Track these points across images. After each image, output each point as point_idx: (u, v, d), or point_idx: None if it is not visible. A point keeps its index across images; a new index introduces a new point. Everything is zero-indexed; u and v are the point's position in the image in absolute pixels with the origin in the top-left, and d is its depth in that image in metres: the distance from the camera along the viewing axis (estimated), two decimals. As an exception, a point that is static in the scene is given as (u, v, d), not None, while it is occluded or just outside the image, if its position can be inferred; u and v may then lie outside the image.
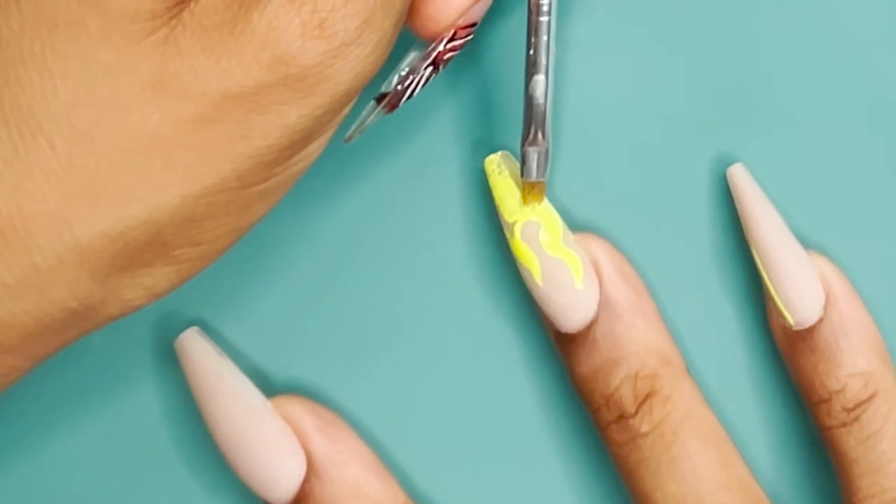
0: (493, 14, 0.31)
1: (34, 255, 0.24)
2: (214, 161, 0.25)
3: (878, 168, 0.32)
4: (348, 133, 0.29)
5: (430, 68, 0.29)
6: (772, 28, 0.32)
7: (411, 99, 0.29)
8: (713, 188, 0.32)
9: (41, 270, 0.24)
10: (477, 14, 0.28)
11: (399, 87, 0.29)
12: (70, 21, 0.24)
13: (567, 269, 0.30)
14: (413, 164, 0.32)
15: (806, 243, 0.31)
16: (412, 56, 0.29)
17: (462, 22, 0.28)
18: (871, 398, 0.30)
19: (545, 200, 0.30)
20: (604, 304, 0.30)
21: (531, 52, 0.29)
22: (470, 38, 0.28)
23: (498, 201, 0.30)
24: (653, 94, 0.32)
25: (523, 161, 0.29)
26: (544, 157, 0.29)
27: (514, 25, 0.32)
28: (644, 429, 0.30)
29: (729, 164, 0.32)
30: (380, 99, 0.29)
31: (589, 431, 0.32)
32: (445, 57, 0.28)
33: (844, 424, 0.30)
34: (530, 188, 0.30)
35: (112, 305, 0.26)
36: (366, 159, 0.32)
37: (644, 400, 0.30)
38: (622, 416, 0.30)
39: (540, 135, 0.29)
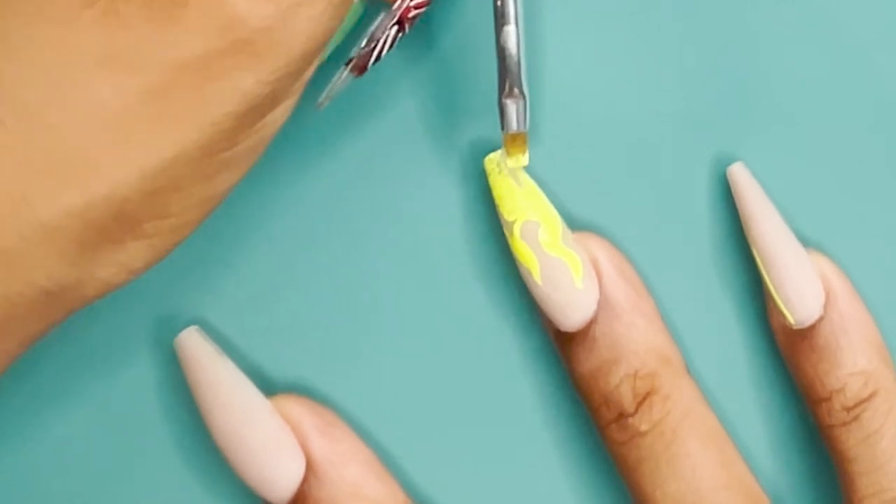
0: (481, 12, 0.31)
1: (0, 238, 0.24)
2: (172, 132, 0.25)
3: (877, 167, 0.32)
4: (320, 98, 0.29)
5: (396, 27, 0.28)
6: (773, 27, 0.32)
7: (379, 61, 0.29)
8: (713, 187, 0.32)
9: (9, 252, 0.24)
10: None
11: (365, 49, 0.28)
12: None
13: (566, 268, 0.30)
14: (413, 163, 0.32)
15: (806, 242, 0.31)
16: (381, 17, 0.29)
17: None
18: (871, 397, 0.30)
19: (545, 199, 0.30)
20: (603, 303, 0.30)
21: (498, 3, 0.28)
22: None
23: (497, 200, 0.30)
24: (653, 93, 0.32)
25: (502, 114, 0.29)
26: (523, 109, 0.29)
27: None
28: (643, 428, 0.30)
29: (729, 163, 0.32)
30: (349, 63, 0.29)
31: (589, 430, 0.32)
32: (411, 15, 0.28)
33: (844, 423, 0.30)
34: (512, 140, 0.29)
35: (89, 285, 0.26)
36: (366, 159, 0.32)
37: (643, 399, 0.30)
38: (622, 415, 0.30)
39: (516, 88, 0.29)
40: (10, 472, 0.31)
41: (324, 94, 0.29)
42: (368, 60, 0.29)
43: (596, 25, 0.32)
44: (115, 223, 0.25)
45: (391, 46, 0.29)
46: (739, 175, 0.31)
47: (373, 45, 0.28)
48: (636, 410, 0.30)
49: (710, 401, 0.31)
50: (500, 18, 0.28)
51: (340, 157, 0.32)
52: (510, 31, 0.28)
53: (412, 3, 0.28)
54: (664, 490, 0.30)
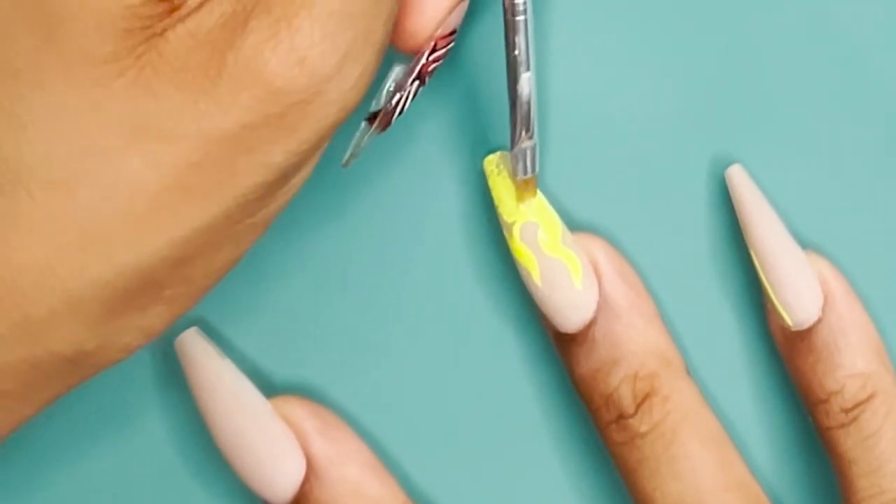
0: (472, 14, 0.31)
1: (25, 306, 0.24)
2: (202, 203, 0.25)
3: (876, 169, 0.32)
4: (345, 158, 0.29)
5: (417, 82, 0.28)
6: (772, 29, 0.32)
7: (402, 115, 0.29)
8: (712, 189, 0.32)
9: (33, 321, 0.24)
10: (454, 22, 0.28)
11: (389, 106, 0.28)
12: (31, 69, 0.24)
13: (566, 269, 0.30)
14: (412, 164, 0.32)
15: (804, 244, 0.31)
16: (397, 70, 0.29)
17: (441, 32, 0.28)
18: (869, 399, 0.30)
19: (544, 201, 0.30)
20: (603, 304, 0.30)
21: (516, 52, 0.28)
22: (451, 45, 0.28)
23: (497, 201, 0.30)
24: (652, 94, 0.32)
25: (515, 161, 0.29)
26: (533, 153, 0.29)
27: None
28: (643, 429, 0.30)
29: (727, 165, 0.32)
30: (371, 119, 0.29)
31: (589, 431, 0.32)
32: (430, 69, 0.28)
33: (843, 425, 0.30)
34: (525, 185, 0.30)
35: (109, 350, 0.26)
36: (366, 160, 0.32)
37: (643, 400, 0.30)
38: (621, 416, 0.30)
39: (528, 133, 0.29)
40: (9, 471, 0.31)
41: (349, 154, 0.29)
42: (392, 117, 0.29)
43: (596, 27, 0.32)
44: (140, 292, 0.25)
45: (413, 98, 0.29)
46: (737, 177, 0.31)
47: (395, 101, 0.28)
48: (636, 411, 0.30)
49: (710, 401, 0.31)
50: (517, 66, 0.28)
51: (340, 158, 0.32)
52: (527, 77, 0.28)
53: (431, 58, 0.28)
54: (664, 491, 0.30)
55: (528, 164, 0.29)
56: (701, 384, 0.31)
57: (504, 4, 0.28)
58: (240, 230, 0.26)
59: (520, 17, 0.28)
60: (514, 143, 0.29)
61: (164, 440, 0.31)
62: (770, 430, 0.32)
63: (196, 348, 0.30)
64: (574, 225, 0.31)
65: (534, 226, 0.30)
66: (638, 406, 0.30)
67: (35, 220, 0.24)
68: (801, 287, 0.31)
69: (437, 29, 0.28)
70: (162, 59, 0.24)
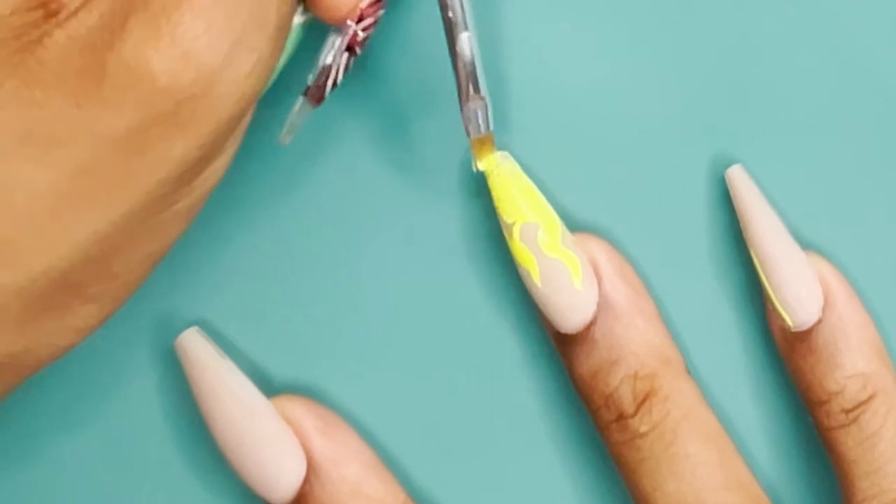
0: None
1: None
2: (104, 204, 0.24)
3: (876, 169, 0.32)
4: (282, 134, 0.29)
5: (347, 54, 0.28)
6: (772, 29, 0.32)
7: (336, 87, 0.29)
8: (712, 189, 0.32)
9: None
10: None
11: (322, 80, 0.28)
12: None
13: (566, 269, 0.30)
14: (412, 164, 0.32)
15: (804, 244, 0.31)
16: (330, 41, 0.28)
17: (365, 1, 0.28)
18: (870, 399, 0.30)
19: (544, 201, 0.30)
20: (603, 304, 0.30)
21: (450, 14, 0.28)
22: (381, 13, 0.28)
23: (497, 202, 0.30)
24: (652, 94, 0.32)
25: (467, 121, 0.29)
26: (485, 111, 0.29)
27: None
28: (643, 429, 0.30)
29: (728, 166, 0.32)
30: (306, 93, 0.29)
31: (589, 431, 0.32)
32: (359, 39, 0.28)
33: (843, 426, 0.30)
34: (480, 143, 0.29)
35: (40, 350, 0.26)
36: (365, 160, 0.32)
37: (643, 400, 0.30)
38: (621, 416, 0.30)
39: (477, 91, 0.29)
40: (9, 470, 0.31)
41: (285, 129, 0.29)
42: (325, 90, 0.28)
43: (595, 26, 0.32)
44: (57, 293, 0.25)
45: (346, 70, 0.29)
46: (738, 177, 0.31)
47: (327, 74, 0.28)
48: (636, 411, 0.30)
49: (710, 401, 0.31)
50: (453, 27, 0.28)
51: (340, 159, 0.32)
52: (465, 37, 0.28)
53: (359, 28, 0.28)
54: (664, 491, 0.30)
55: (481, 122, 0.29)
56: (701, 384, 0.31)
57: None
58: (157, 223, 0.26)
59: None
60: (462, 103, 0.29)
61: (165, 440, 0.31)
62: (770, 430, 0.32)
63: (196, 348, 0.30)
64: (574, 225, 0.31)
65: (534, 226, 0.30)
66: (638, 406, 0.30)
67: None
68: (801, 288, 0.31)
69: (358, 1, 0.27)
70: (42, 66, 0.23)
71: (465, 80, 0.29)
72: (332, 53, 0.28)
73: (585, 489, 0.32)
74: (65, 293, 0.25)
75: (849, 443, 0.30)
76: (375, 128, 0.32)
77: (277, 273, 0.32)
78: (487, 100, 0.29)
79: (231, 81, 0.24)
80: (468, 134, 0.29)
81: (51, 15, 0.24)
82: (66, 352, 0.26)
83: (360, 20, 0.28)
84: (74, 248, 0.24)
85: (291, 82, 0.29)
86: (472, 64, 0.28)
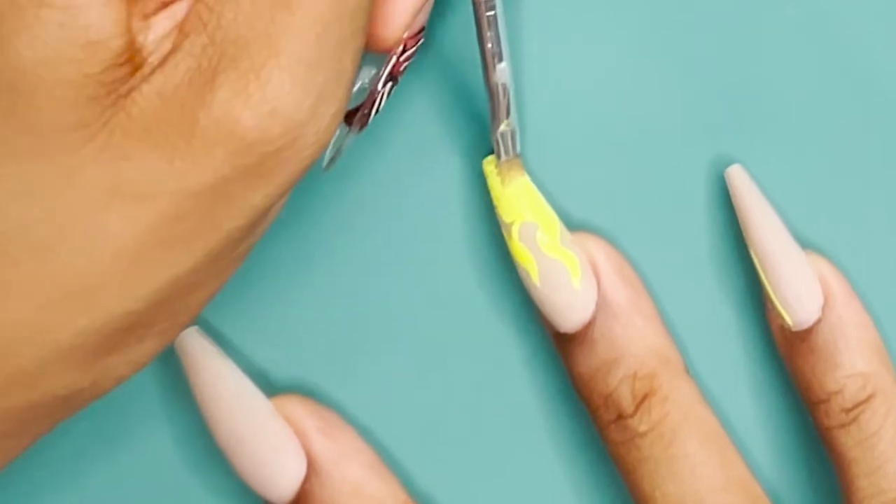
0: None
1: (17, 360, 0.24)
2: (184, 251, 0.25)
3: (876, 168, 0.32)
4: (325, 161, 0.29)
5: (391, 83, 0.29)
6: (772, 28, 0.32)
7: (379, 113, 0.29)
8: (711, 189, 0.32)
9: (27, 372, 0.25)
10: (421, 21, 0.28)
11: (366, 109, 0.29)
12: (0, 141, 0.24)
13: (564, 269, 0.30)
14: (412, 165, 0.32)
15: (804, 244, 0.31)
16: (367, 68, 0.29)
17: (409, 33, 0.28)
18: (869, 399, 0.30)
19: (543, 201, 0.30)
20: (602, 304, 0.30)
21: (489, 45, 0.29)
22: (421, 42, 0.29)
23: (496, 202, 0.30)
24: (652, 94, 0.32)
25: (498, 146, 0.30)
26: (514, 136, 0.30)
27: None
28: (643, 428, 0.30)
29: (727, 165, 0.32)
30: (347, 119, 0.29)
31: (588, 431, 0.32)
32: (401, 68, 0.29)
33: (843, 425, 0.30)
34: (508, 167, 0.30)
35: (103, 384, 0.26)
36: (365, 160, 0.32)
37: (643, 400, 0.30)
38: (621, 416, 0.30)
39: (508, 119, 0.29)
40: (9, 470, 0.31)
41: (329, 157, 0.29)
42: (369, 117, 0.29)
43: (594, 27, 0.32)
44: (128, 333, 0.26)
45: (388, 97, 0.29)
46: (737, 177, 0.31)
47: (371, 102, 0.29)
48: (635, 411, 0.30)
49: (710, 401, 0.31)
50: (491, 58, 0.29)
51: (340, 159, 0.32)
52: (503, 67, 0.29)
53: (402, 58, 0.28)
54: (664, 491, 0.30)
55: (510, 146, 0.30)
56: (700, 384, 0.31)
57: (473, 1, 0.29)
58: (222, 266, 0.26)
59: (490, 13, 0.29)
60: (495, 129, 0.30)
61: (165, 440, 0.31)
62: (770, 429, 0.32)
63: (197, 348, 0.30)
64: (573, 225, 0.31)
65: (532, 226, 0.30)
66: (637, 406, 0.30)
67: (18, 282, 0.24)
68: (801, 287, 0.31)
69: (404, 31, 0.28)
70: (131, 120, 0.24)
71: (499, 108, 0.29)
72: (378, 82, 0.29)
73: (585, 489, 0.32)
74: (133, 333, 0.26)
75: (848, 442, 0.30)
76: (375, 128, 0.32)
77: (278, 273, 0.32)
78: (516, 126, 0.30)
79: (313, 133, 0.25)
80: (498, 157, 0.30)
81: (136, 69, 0.24)
82: (122, 382, 0.27)
83: (403, 51, 0.28)
84: (152, 293, 0.25)
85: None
86: (506, 93, 0.29)
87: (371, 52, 0.28)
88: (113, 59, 0.24)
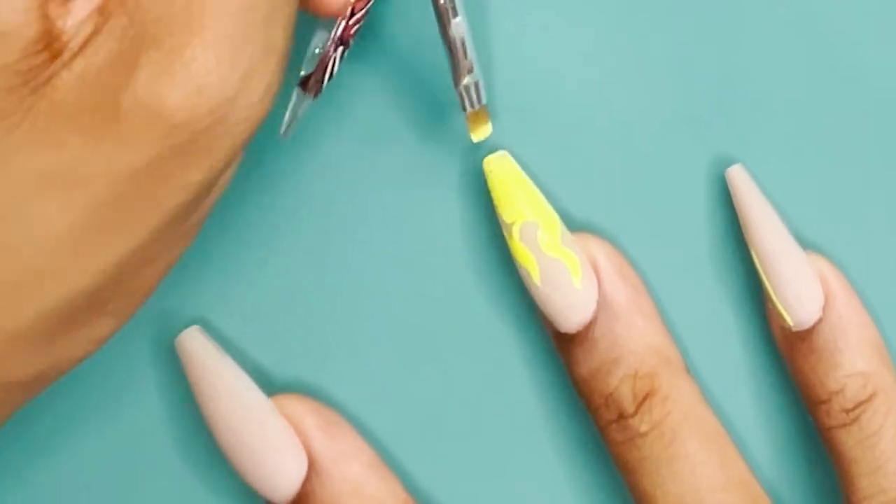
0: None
1: None
2: (126, 232, 0.25)
3: (876, 168, 0.32)
4: (283, 127, 0.29)
5: (342, 47, 0.29)
6: (774, 29, 0.32)
7: (332, 78, 0.29)
8: (712, 188, 0.32)
9: None
10: None
11: (318, 73, 0.29)
12: None
13: (565, 269, 0.30)
14: (412, 165, 0.32)
15: (805, 244, 0.31)
16: (319, 34, 0.29)
17: None
18: (870, 398, 0.30)
19: (543, 200, 0.30)
20: (602, 303, 0.30)
21: (441, 1, 0.29)
22: (371, 5, 0.29)
23: (496, 202, 0.30)
24: (653, 93, 0.32)
25: (462, 98, 0.30)
26: (479, 87, 0.30)
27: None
28: (643, 428, 0.30)
29: (728, 165, 0.32)
30: (302, 84, 0.29)
31: (589, 431, 0.32)
32: (352, 32, 0.29)
33: (844, 425, 0.30)
34: (475, 118, 0.30)
35: (61, 364, 0.26)
36: (365, 160, 0.32)
37: (643, 399, 0.30)
38: (621, 416, 0.30)
39: (469, 71, 0.29)
40: (9, 470, 0.31)
41: (286, 124, 0.29)
42: (323, 83, 0.29)
43: (595, 26, 0.32)
44: (81, 313, 0.25)
45: (340, 61, 0.29)
46: (738, 177, 0.31)
47: (325, 67, 0.29)
48: (636, 411, 0.30)
49: (710, 401, 0.31)
50: (445, 13, 0.29)
51: (340, 160, 0.32)
52: (459, 22, 0.29)
53: (351, 21, 0.28)
54: (664, 490, 0.30)
55: (475, 97, 0.30)
56: (701, 384, 0.31)
57: None
58: (171, 240, 0.26)
59: None
60: (457, 83, 0.29)
61: (165, 439, 0.31)
62: (770, 429, 0.32)
63: (197, 347, 0.30)
64: (573, 225, 0.31)
65: (533, 226, 0.30)
66: (638, 405, 0.30)
67: None
68: (801, 287, 0.31)
69: None
70: (53, 106, 0.24)
71: (459, 62, 0.29)
72: (328, 47, 0.29)
73: (585, 489, 0.32)
74: (87, 313, 0.25)
75: (849, 442, 0.30)
76: (375, 128, 0.32)
77: (278, 272, 0.32)
78: (480, 77, 0.29)
79: (244, 108, 0.24)
80: (463, 109, 0.30)
81: (55, 56, 0.24)
82: (82, 361, 0.27)
83: (351, 14, 0.28)
84: (96, 274, 0.25)
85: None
86: (464, 46, 0.29)
87: (319, 16, 0.28)
88: (27, 47, 0.23)
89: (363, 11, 0.29)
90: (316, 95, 0.29)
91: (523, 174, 0.31)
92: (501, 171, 0.31)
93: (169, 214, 0.25)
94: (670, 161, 0.32)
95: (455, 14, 0.29)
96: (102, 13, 0.24)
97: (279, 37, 0.25)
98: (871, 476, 0.30)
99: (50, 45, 0.24)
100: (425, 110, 0.32)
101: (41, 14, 0.23)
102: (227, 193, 0.30)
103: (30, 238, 0.24)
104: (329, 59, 0.29)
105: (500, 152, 0.31)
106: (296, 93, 0.29)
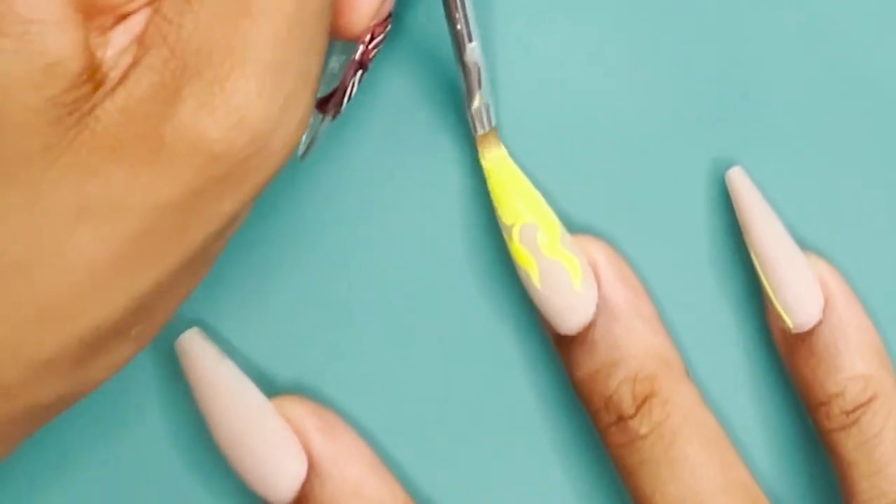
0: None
1: None
2: (157, 261, 0.25)
3: (876, 171, 0.32)
4: (301, 150, 0.29)
5: (360, 70, 0.29)
6: (774, 32, 0.32)
7: (351, 101, 0.29)
8: (712, 191, 0.32)
9: (6, 386, 0.25)
10: (389, 7, 0.28)
11: (337, 96, 0.29)
12: None
13: (565, 271, 0.30)
14: (412, 167, 0.32)
15: (804, 246, 0.31)
16: (336, 56, 0.29)
17: (377, 20, 0.28)
18: (870, 401, 0.30)
19: (543, 203, 0.30)
20: (602, 306, 0.30)
21: (458, 26, 0.29)
22: (389, 29, 0.29)
23: (496, 204, 0.30)
24: (652, 96, 0.32)
25: (474, 120, 0.30)
26: (488, 110, 0.30)
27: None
28: (643, 430, 0.30)
29: (728, 167, 0.32)
30: (320, 106, 0.29)
31: (588, 433, 0.32)
32: (370, 55, 0.29)
33: (844, 427, 0.30)
34: (485, 140, 0.30)
35: (83, 388, 0.26)
36: (366, 162, 0.32)
37: (643, 402, 0.30)
38: (621, 418, 0.30)
39: (481, 95, 0.30)
40: (9, 470, 0.31)
41: (304, 146, 0.29)
42: (342, 105, 0.29)
43: (595, 29, 0.32)
44: (106, 341, 0.25)
45: (359, 84, 0.29)
46: (738, 180, 0.31)
47: (344, 89, 0.29)
48: (636, 413, 0.30)
49: (710, 404, 0.31)
50: (462, 38, 0.29)
51: (339, 162, 0.32)
52: (474, 47, 0.29)
53: (371, 46, 0.28)
54: (664, 493, 0.30)
55: (485, 120, 0.30)
56: (701, 386, 0.31)
57: None
58: (196, 268, 0.26)
59: None
60: (469, 106, 0.30)
61: (165, 442, 0.31)
62: (770, 432, 0.32)
63: (196, 349, 0.30)
64: (573, 227, 0.31)
65: (533, 228, 0.30)
66: (638, 408, 0.30)
67: None
68: (801, 289, 0.31)
69: (371, 19, 0.28)
70: (95, 137, 0.24)
71: (473, 86, 0.30)
72: (347, 70, 0.29)
73: (584, 491, 0.32)
74: (111, 340, 0.26)
75: (849, 445, 0.30)
76: (375, 129, 0.32)
77: (278, 274, 0.32)
78: (490, 100, 0.30)
79: (281, 137, 0.25)
80: (474, 131, 0.30)
81: (97, 86, 0.24)
82: (101, 384, 0.27)
83: (371, 38, 0.28)
84: (125, 305, 0.25)
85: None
86: (479, 71, 0.29)
87: (339, 39, 0.28)
88: (73, 79, 0.23)
89: (382, 35, 0.29)
90: (335, 118, 0.29)
91: (522, 176, 0.31)
92: (501, 172, 0.31)
93: (199, 245, 0.25)
94: (670, 163, 0.32)
95: (471, 39, 0.29)
96: (142, 44, 0.24)
97: (315, 65, 0.25)
98: (871, 478, 0.30)
99: (93, 77, 0.24)
100: (425, 113, 0.32)
101: (85, 46, 0.23)
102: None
103: (64, 269, 0.24)
104: (349, 83, 0.29)
105: (500, 154, 0.31)
106: (314, 115, 0.29)
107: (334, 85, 0.29)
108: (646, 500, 0.30)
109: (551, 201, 0.31)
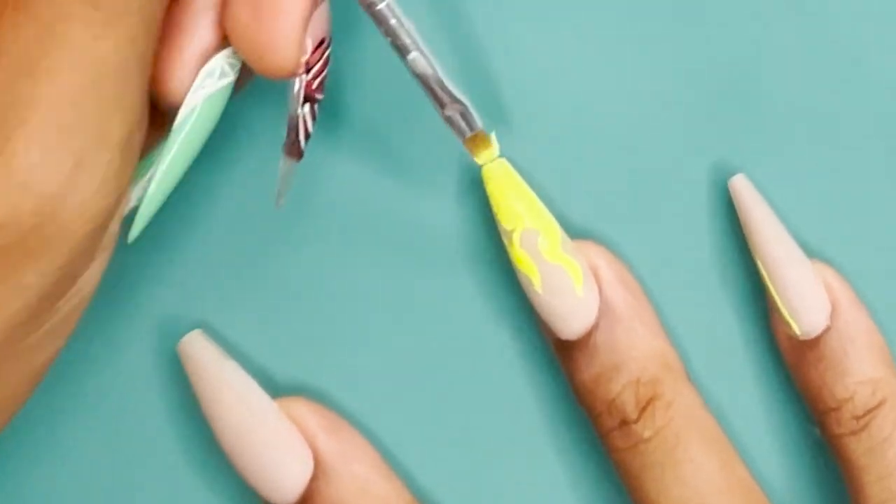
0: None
1: None
2: None
3: (880, 176, 0.32)
4: (276, 199, 0.29)
5: (308, 104, 0.28)
6: (778, 37, 0.32)
7: (310, 137, 0.29)
8: (715, 197, 0.32)
9: None
10: (319, 35, 0.27)
11: (292, 138, 0.28)
12: None
13: (567, 275, 0.30)
14: (412, 171, 0.32)
15: (808, 252, 0.31)
16: (291, 98, 0.28)
17: (307, 51, 0.27)
18: (879, 405, 0.30)
19: (543, 208, 0.30)
20: (604, 310, 0.30)
21: (389, 39, 0.28)
22: (327, 54, 0.28)
23: (495, 209, 0.30)
24: (654, 102, 0.32)
25: (452, 127, 0.29)
26: (468, 113, 0.29)
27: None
28: (646, 434, 0.30)
29: (731, 174, 0.32)
30: (285, 152, 0.29)
31: (590, 438, 0.32)
32: (314, 86, 0.28)
33: (854, 432, 0.30)
34: (473, 142, 0.30)
35: None
36: (366, 167, 0.32)
37: (646, 405, 0.30)
38: (624, 422, 0.30)
39: (450, 99, 0.29)
40: (14, 475, 0.32)
41: (277, 192, 0.29)
42: (301, 144, 0.28)
43: (597, 33, 0.32)
44: None
45: (314, 119, 0.28)
46: (742, 187, 0.31)
47: (296, 129, 0.28)
48: (639, 417, 0.30)
49: (713, 409, 0.31)
50: (400, 51, 0.28)
51: (340, 166, 0.32)
52: (415, 57, 0.28)
53: (310, 77, 0.27)
54: (668, 496, 0.29)
55: (465, 124, 0.29)
56: (702, 391, 0.31)
57: (358, 1, 0.28)
58: (31, 343, 0.25)
59: (380, 6, 0.28)
60: (441, 114, 0.29)
61: (168, 443, 0.32)
62: (773, 436, 0.32)
63: (200, 351, 0.30)
64: (573, 232, 0.31)
65: (534, 233, 0.30)
66: (641, 411, 0.30)
67: None
68: (808, 296, 0.31)
69: (298, 55, 0.26)
70: None
71: (433, 94, 0.29)
72: (295, 107, 0.28)
73: (586, 493, 0.32)
74: None
75: (859, 449, 0.30)
76: (374, 133, 0.32)
77: (280, 276, 0.32)
78: (466, 102, 0.29)
79: (77, 204, 0.23)
80: (458, 138, 0.30)
81: None
82: None
83: (308, 70, 0.27)
84: None
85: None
86: (433, 78, 0.29)
87: (276, 79, 0.27)
88: None
89: (321, 63, 0.27)
90: (299, 158, 0.28)
91: (522, 181, 0.30)
92: (500, 177, 0.30)
93: (7, 320, 0.23)
94: (672, 168, 0.32)
95: (408, 51, 0.28)
96: None
97: (116, 126, 0.23)
98: (881, 482, 0.30)
99: None
100: (424, 116, 0.31)
101: None
102: (227, 200, 0.31)
103: None
104: (298, 120, 0.28)
105: (499, 159, 0.31)
106: (281, 159, 0.29)
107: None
108: (649, 503, 0.30)
109: (551, 206, 0.31)
